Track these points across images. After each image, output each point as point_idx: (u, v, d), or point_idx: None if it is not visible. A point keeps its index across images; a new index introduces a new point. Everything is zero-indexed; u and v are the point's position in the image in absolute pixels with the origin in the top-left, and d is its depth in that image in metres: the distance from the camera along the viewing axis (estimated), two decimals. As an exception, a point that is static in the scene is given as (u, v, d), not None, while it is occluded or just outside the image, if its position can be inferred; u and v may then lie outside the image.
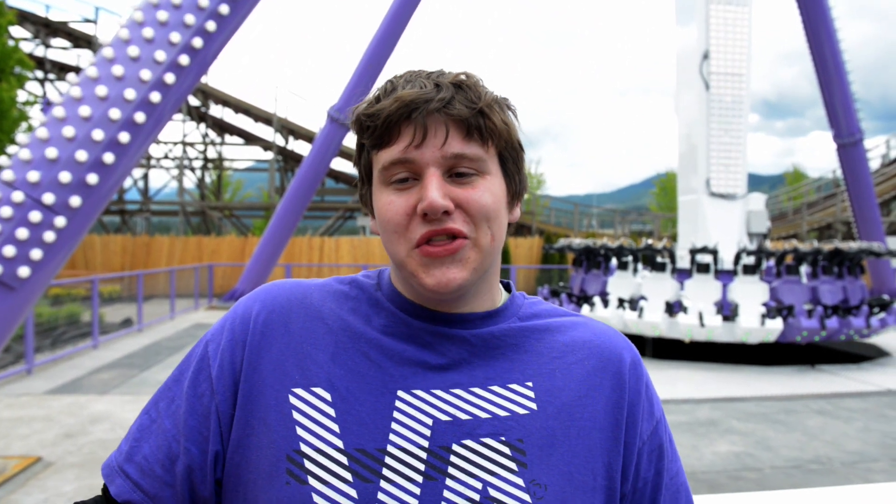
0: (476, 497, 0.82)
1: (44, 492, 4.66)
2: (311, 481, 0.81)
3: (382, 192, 0.87)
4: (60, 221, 5.23)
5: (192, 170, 27.55)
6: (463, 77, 0.87)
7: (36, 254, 5.14)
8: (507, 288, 1.01)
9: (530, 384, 0.89)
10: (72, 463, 5.25)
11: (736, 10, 11.90)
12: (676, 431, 6.42)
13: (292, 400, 0.85)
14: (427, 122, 0.83)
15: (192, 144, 26.89)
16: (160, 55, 5.64)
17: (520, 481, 0.83)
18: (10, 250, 5.06)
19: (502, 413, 0.86)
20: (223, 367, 0.89)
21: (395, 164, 0.85)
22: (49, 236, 5.20)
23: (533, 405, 0.87)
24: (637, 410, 0.92)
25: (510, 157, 0.90)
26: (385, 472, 0.82)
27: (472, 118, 0.84)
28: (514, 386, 0.88)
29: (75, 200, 5.28)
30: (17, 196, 5.13)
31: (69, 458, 5.35)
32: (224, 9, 5.93)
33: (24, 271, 5.11)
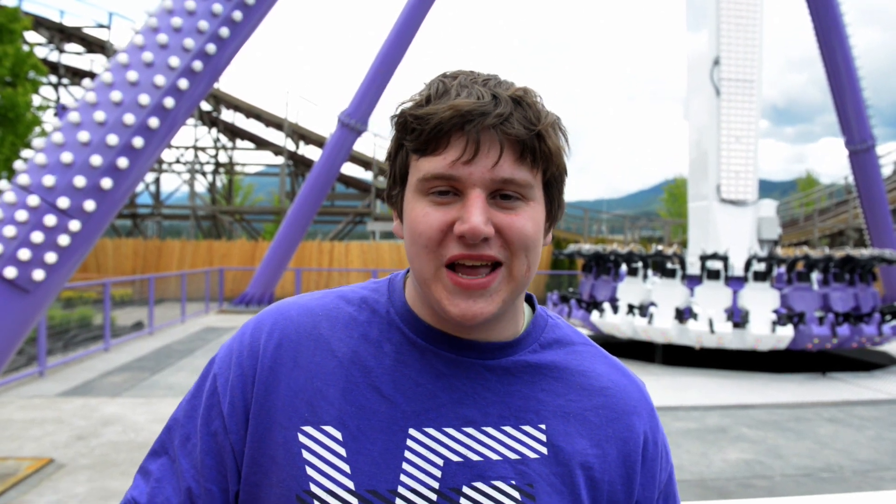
0: None
1: (56, 493, 4.70)
2: None
3: (418, 202, 0.81)
4: (75, 225, 5.29)
5: (204, 174, 27.70)
6: (522, 93, 0.80)
7: (50, 257, 5.20)
8: (532, 302, 0.98)
9: (543, 426, 0.86)
10: (84, 465, 5.29)
11: (747, 16, 11.88)
12: (686, 438, 6.40)
13: (302, 439, 0.82)
14: (481, 138, 0.77)
15: (203, 149, 27.03)
16: (174, 61, 5.69)
17: None
18: (25, 253, 5.11)
19: (513, 456, 0.84)
20: (234, 403, 0.85)
21: (438, 178, 0.79)
22: (63, 240, 5.25)
23: (544, 450, 0.85)
24: (656, 464, 0.91)
25: (555, 182, 0.85)
26: None
27: (528, 140, 0.78)
28: (526, 428, 0.85)
29: (90, 204, 5.34)
30: (33, 200, 5.18)
31: (81, 460, 5.39)
32: (237, 15, 5.99)
33: (38, 274, 5.17)
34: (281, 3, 7.02)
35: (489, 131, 0.77)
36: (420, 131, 0.79)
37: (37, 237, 5.15)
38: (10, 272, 5.06)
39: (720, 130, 11.81)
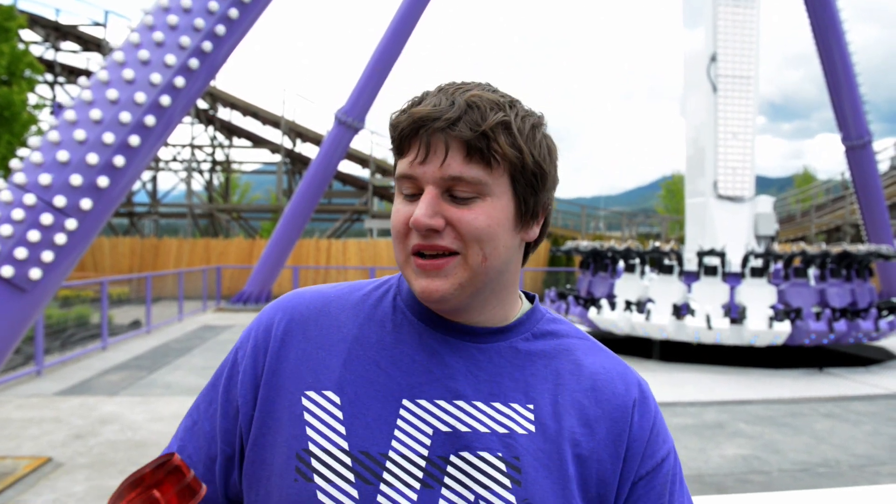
0: None
1: (54, 492, 4.70)
2: (317, 479, 0.86)
3: (396, 199, 0.92)
4: (71, 224, 5.28)
5: (201, 172, 27.64)
6: (476, 97, 0.87)
7: (47, 256, 5.19)
8: (531, 300, 1.03)
9: (531, 406, 0.90)
10: (82, 464, 5.29)
11: (744, 13, 11.88)
12: (684, 434, 6.42)
13: (304, 402, 0.90)
14: (431, 141, 0.86)
15: (200, 147, 26.97)
16: (170, 59, 5.68)
17: (512, 498, 0.85)
18: (21, 252, 5.10)
19: (501, 430, 0.88)
20: (246, 371, 0.95)
21: (403, 178, 0.89)
22: (60, 238, 5.24)
23: (531, 427, 0.89)
24: (637, 447, 0.92)
25: (523, 179, 0.89)
26: (385, 475, 0.85)
27: (473, 140, 0.85)
28: (515, 405, 0.90)
29: (86, 203, 5.33)
30: (29, 199, 5.17)
31: (79, 459, 5.39)
32: (233, 13, 5.97)
33: (35, 273, 5.16)
34: (278, 0, 7.01)
35: (437, 134, 0.86)
36: (393, 137, 0.91)
37: (33, 236, 5.14)
38: (7, 271, 5.05)
39: (717, 127, 11.82)
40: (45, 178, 5.24)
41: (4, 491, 4.70)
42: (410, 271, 0.90)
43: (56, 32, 24.12)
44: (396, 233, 0.90)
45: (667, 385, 8.68)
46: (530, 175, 0.90)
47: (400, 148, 0.90)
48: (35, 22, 23.27)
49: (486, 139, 0.85)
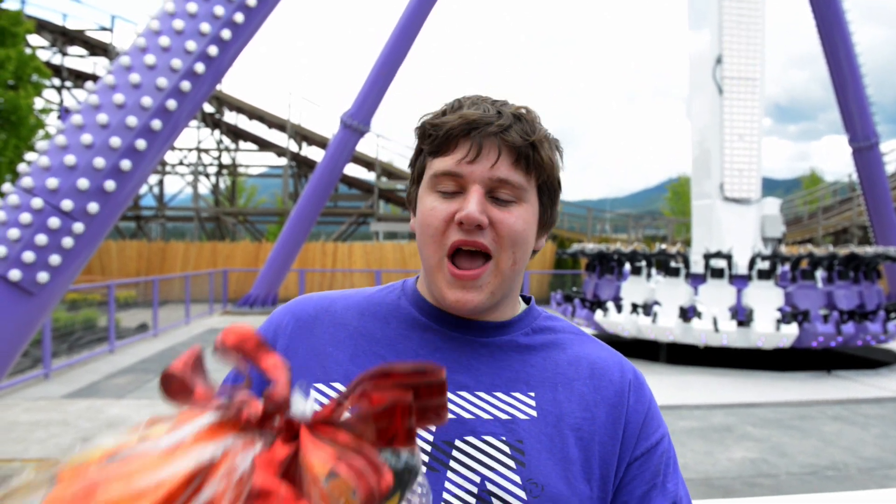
0: (475, 490, 0.87)
1: (62, 495, 4.71)
2: None
3: (427, 197, 0.95)
4: (79, 227, 5.30)
5: (207, 176, 27.72)
6: (523, 111, 0.95)
7: (55, 259, 5.21)
8: (528, 301, 1.08)
9: (532, 394, 0.94)
10: (89, 466, 5.30)
11: (749, 15, 11.86)
12: (690, 437, 6.39)
13: (313, 394, 0.93)
14: (483, 142, 0.91)
15: (206, 151, 27.05)
16: (176, 63, 5.70)
17: (517, 478, 0.88)
18: (29, 256, 5.12)
19: (504, 416, 0.92)
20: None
21: (446, 175, 0.93)
22: (67, 242, 5.26)
23: (534, 412, 0.93)
24: (633, 428, 0.96)
25: (548, 190, 0.98)
26: None
27: (523, 147, 0.92)
28: (517, 394, 0.94)
29: (93, 207, 5.35)
30: (37, 202, 5.20)
31: (86, 462, 5.40)
32: (239, 17, 6.00)
33: (42, 277, 5.18)
34: (284, 4, 7.02)
35: (490, 138, 0.91)
36: (435, 136, 0.94)
37: (41, 239, 5.17)
38: (15, 275, 5.08)
39: (723, 129, 11.78)
40: (52, 182, 5.26)
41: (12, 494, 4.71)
42: (442, 278, 0.93)
43: (63, 37, 24.25)
44: (434, 230, 0.93)
45: (673, 388, 8.65)
46: (553, 189, 0.98)
47: (443, 146, 0.93)
48: (42, 27, 23.40)
49: (534, 149, 0.92)
